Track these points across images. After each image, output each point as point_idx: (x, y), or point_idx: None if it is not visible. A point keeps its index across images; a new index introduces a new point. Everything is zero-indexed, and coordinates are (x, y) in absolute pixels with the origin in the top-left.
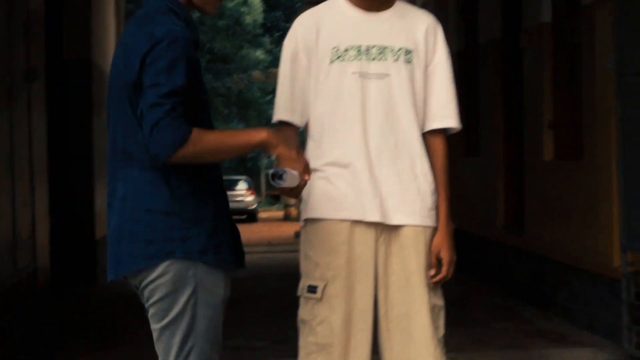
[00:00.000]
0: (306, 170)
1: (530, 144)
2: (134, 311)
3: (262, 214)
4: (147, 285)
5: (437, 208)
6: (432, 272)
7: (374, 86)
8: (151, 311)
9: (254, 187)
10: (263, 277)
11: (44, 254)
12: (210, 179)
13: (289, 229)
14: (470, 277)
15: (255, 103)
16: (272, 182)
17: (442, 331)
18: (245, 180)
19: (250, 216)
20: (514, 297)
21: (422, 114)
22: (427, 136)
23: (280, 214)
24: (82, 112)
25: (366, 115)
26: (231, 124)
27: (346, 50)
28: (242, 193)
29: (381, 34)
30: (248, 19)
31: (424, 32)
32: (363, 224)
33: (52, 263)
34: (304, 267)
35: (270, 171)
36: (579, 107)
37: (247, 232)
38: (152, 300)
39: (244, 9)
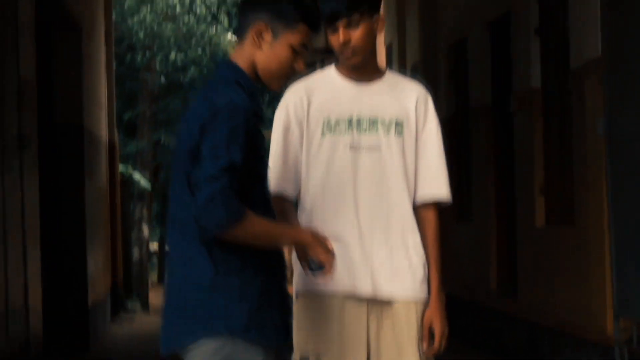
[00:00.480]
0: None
1: (521, 208)
2: None
3: None
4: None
5: (428, 280)
6: (425, 345)
7: (365, 159)
8: None
9: None
10: None
11: (37, 323)
12: (261, 253)
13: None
14: (461, 342)
15: None
16: (311, 272)
17: None
18: None
19: None
20: None
21: (413, 186)
22: (418, 208)
23: None
24: (75, 177)
25: (357, 189)
26: None
27: (337, 122)
28: None
29: (372, 105)
30: None
31: (414, 102)
32: (354, 298)
33: (44, 331)
34: (296, 339)
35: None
36: (570, 172)
37: None
38: None
39: None
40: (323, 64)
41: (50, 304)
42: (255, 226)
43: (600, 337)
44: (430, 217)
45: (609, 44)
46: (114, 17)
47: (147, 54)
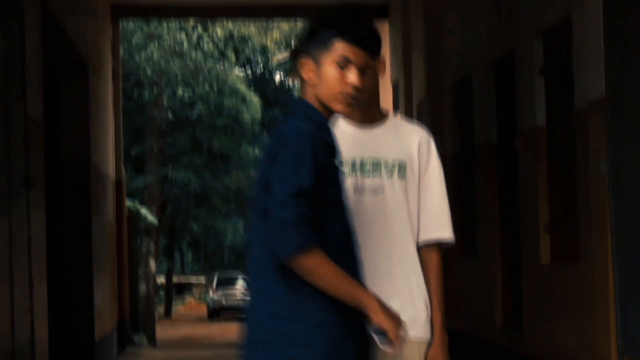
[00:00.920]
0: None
1: (526, 246)
2: None
3: None
4: None
5: (431, 320)
6: None
7: (368, 202)
8: None
9: None
10: None
11: (43, 359)
12: None
13: None
14: None
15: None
16: (379, 343)
17: None
18: (244, 278)
19: None
20: None
21: (416, 227)
22: (421, 248)
23: None
24: (81, 212)
25: (361, 231)
26: (230, 220)
27: (340, 164)
28: (240, 291)
29: (375, 147)
30: (246, 117)
31: (417, 145)
32: None
33: None
34: None
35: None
36: (575, 210)
37: None
38: None
39: (242, 107)
40: None
41: (57, 340)
42: (322, 265)
43: None
44: (433, 257)
45: (613, 84)
46: (121, 53)
47: (155, 89)
